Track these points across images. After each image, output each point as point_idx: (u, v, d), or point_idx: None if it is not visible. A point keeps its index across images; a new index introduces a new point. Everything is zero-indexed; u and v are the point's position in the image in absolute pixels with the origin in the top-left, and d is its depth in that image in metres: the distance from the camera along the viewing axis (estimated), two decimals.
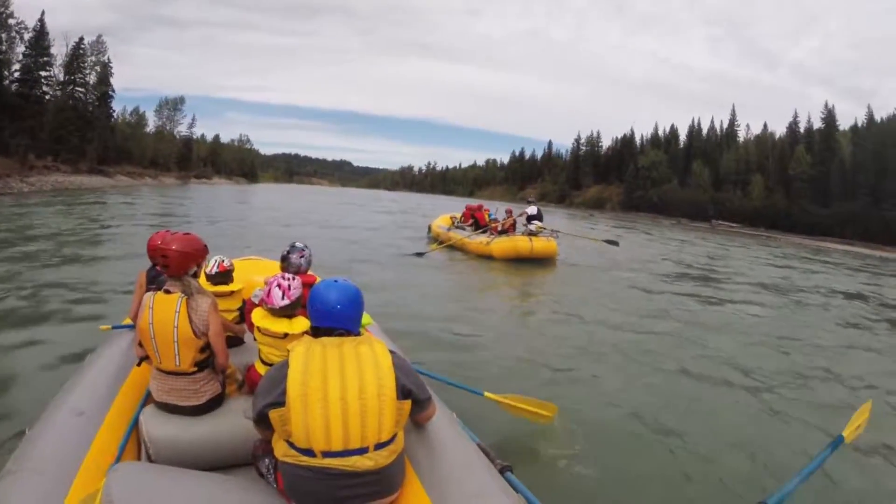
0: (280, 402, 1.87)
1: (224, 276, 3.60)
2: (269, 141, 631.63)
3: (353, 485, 1.91)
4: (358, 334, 2.08)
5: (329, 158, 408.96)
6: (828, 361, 6.91)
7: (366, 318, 3.41)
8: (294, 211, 29.89)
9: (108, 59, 61.80)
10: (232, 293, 3.61)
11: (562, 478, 3.52)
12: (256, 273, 4.37)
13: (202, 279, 3.20)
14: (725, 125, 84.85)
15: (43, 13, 49.51)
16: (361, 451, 1.89)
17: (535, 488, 2.26)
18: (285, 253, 3.42)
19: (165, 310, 2.48)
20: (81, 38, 57.19)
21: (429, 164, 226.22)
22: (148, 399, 2.76)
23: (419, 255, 13.37)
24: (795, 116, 75.00)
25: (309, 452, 1.87)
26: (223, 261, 3.61)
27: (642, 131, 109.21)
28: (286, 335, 2.68)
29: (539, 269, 12.72)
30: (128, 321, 3.59)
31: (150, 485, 1.87)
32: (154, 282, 3.18)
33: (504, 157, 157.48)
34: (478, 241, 13.76)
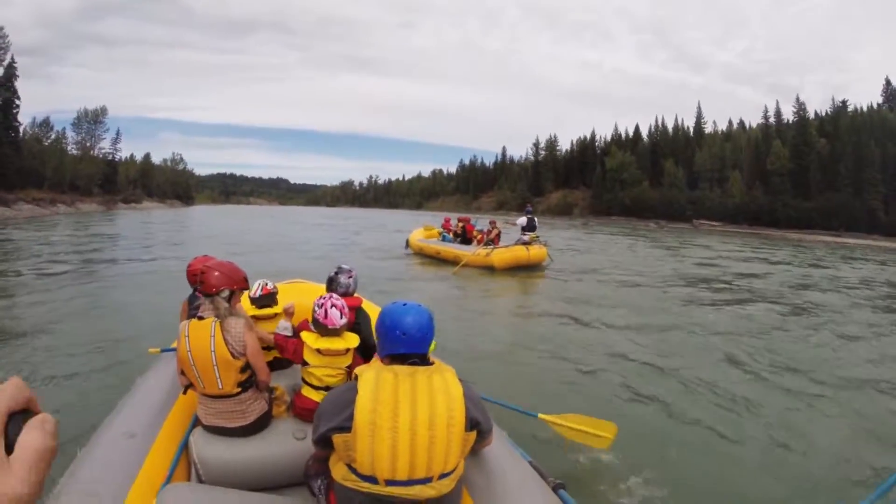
0: (346, 428, 1.83)
1: (268, 298, 3.65)
2: (203, 161, 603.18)
3: None
4: (429, 360, 1.99)
5: (265, 177, 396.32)
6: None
7: None
8: (254, 236, 25.23)
9: (13, 57, 51.61)
10: (276, 315, 3.62)
11: (615, 495, 3.43)
12: (301, 296, 4.18)
13: (246, 303, 3.49)
14: (689, 124, 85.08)
15: None
16: (426, 480, 1.85)
17: None
18: (333, 274, 3.48)
19: (201, 336, 2.55)
20: None
21: (370, 177, 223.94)
22: (197, 421, 2.75)
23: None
24: (766, 112, 76.75)
25: (372, 479, 1.84)
26: (266, 283, 3.67)
27: (600, 133, 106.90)
28: (347, 350, 2.80)
29: (536, 276, 13.58)
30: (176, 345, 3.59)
31: None
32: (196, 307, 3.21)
33: (451, 168, 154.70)
34: (474, 252, 14.00)
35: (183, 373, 2.65)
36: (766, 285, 13.58)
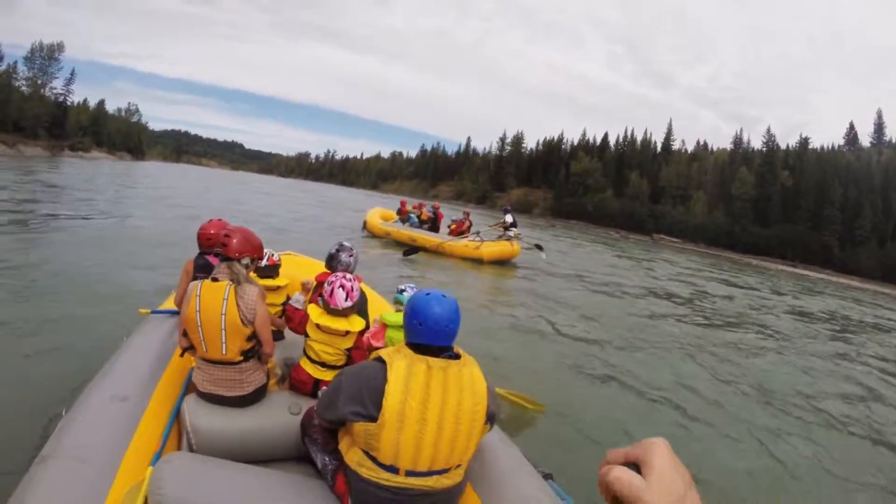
0: (372, 417, 1.77)
1: (272, 269, 3.66)
2: (158, 116, 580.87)
3: (429, 502, 1.89)
4: (456, 353, 1.95)
5: (220, 139, 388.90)
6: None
7: None
8: (214, 201, 24.22)
9: None
10: (278, 287, 3.65)
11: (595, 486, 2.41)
12: (297, 269, 4.31)
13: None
14: (660, 139, 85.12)
15: None
16: (444, 471, 1.85)
17: (574, 494, 2.41)
18: (334, 251, 3.48)
19: (213, 297, 2.48)
20: None
21: (327, 152, 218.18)
22: (189, 387, 2.68)
23: (409, 254, 12.91)
24: (736, 136, 77.88)
25: (392, 469, 1.80)
26: (273, 255, 3.66)
27: (568, 136, 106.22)
28: (347, 332, 2.73)
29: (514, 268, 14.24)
30: (168, 305, 3.61)
31: (201, 477, 1.84)
32: (202, 270, 3.25)
33: (411, 152, 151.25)
34: (464, 243, 14.33)
35: (185, 334, 2.57)
36: (737, 308, 14.30)
